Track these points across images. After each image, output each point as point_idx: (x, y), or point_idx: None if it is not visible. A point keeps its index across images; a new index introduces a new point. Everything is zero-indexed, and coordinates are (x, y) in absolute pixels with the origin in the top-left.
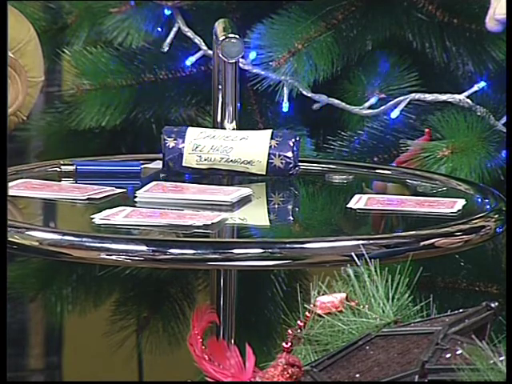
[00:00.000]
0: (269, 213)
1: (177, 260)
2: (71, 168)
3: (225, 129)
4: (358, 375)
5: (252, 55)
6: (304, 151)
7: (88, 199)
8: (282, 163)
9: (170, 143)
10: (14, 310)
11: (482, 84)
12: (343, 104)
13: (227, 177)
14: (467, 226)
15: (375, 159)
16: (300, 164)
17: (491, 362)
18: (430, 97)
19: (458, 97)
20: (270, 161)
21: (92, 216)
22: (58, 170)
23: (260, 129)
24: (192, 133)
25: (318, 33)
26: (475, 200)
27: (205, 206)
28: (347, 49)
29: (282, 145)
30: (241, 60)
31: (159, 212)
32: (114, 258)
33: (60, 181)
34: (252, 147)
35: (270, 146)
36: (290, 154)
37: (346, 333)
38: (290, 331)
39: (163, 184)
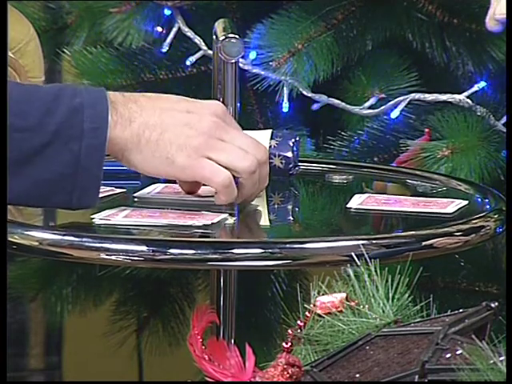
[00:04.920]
0: (269, 213)
1: (177, 260)
2: None
3: None
4: (358, 375)
5: (252, 55)
6: (304, 151)
7: None
8: (281, 163)
9: None
10: (14, 310)
11: (482, 84)
12: (343, 104)
13: None
14: (467, 226)
15: (375, 159)
16: (300, 164)
17: (491, 362)
18: (429, 97)
19: (457, 97)
20: (270, 161)
21: (92, 216)
22: None
23: (260, 129)
24: None
25: (318, 33)
26: (475, 200)
27: (205, 206)
28: (347, 49)
29: (282, 145)
30: (241, 60)
31: (159, 212)
32: (113, 258)
33: None
34: None
35: (270, 146)
36: (289, 154)
37: (346, 333)
38: (290, 331)
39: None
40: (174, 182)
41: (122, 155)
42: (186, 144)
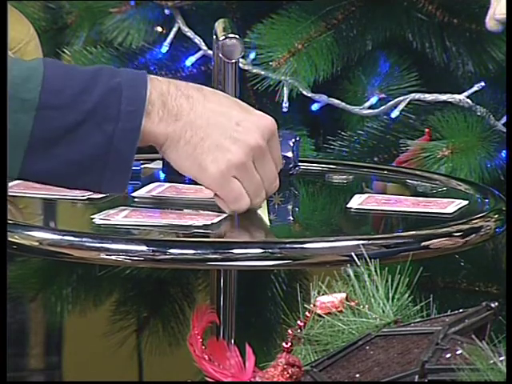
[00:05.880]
0: (269, 213)
1: (177, 260)
2: None
3: None
4: (358, 375)
5: (252, 55)
6: (304, 151)
7: (88, 199)
8: (282, 163)
9: None
10: (14, 310)
11: (482, 84)
12: (343, 104)
13: None
14: (467, 226)
15: (375, 159)
16: (300, 164)
17: (491, 362)
18: (429, 97)
19: (457, 97)
20: None
21: (92, 216)
22: None
23: None
24: None
25: (318, 33)
26: (475, 200)
27: (205, 205)
28: (347, 49)
29: (282, 145)
30: (241, 60)
31: (159, 212)
32: (113, 258)
33: None
34: None
35: None
36: (290, 154)
37: (346, 333)
38: (290, 331)
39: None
40: (174, 182)
41: (159, 146)
42: (223, 158)
